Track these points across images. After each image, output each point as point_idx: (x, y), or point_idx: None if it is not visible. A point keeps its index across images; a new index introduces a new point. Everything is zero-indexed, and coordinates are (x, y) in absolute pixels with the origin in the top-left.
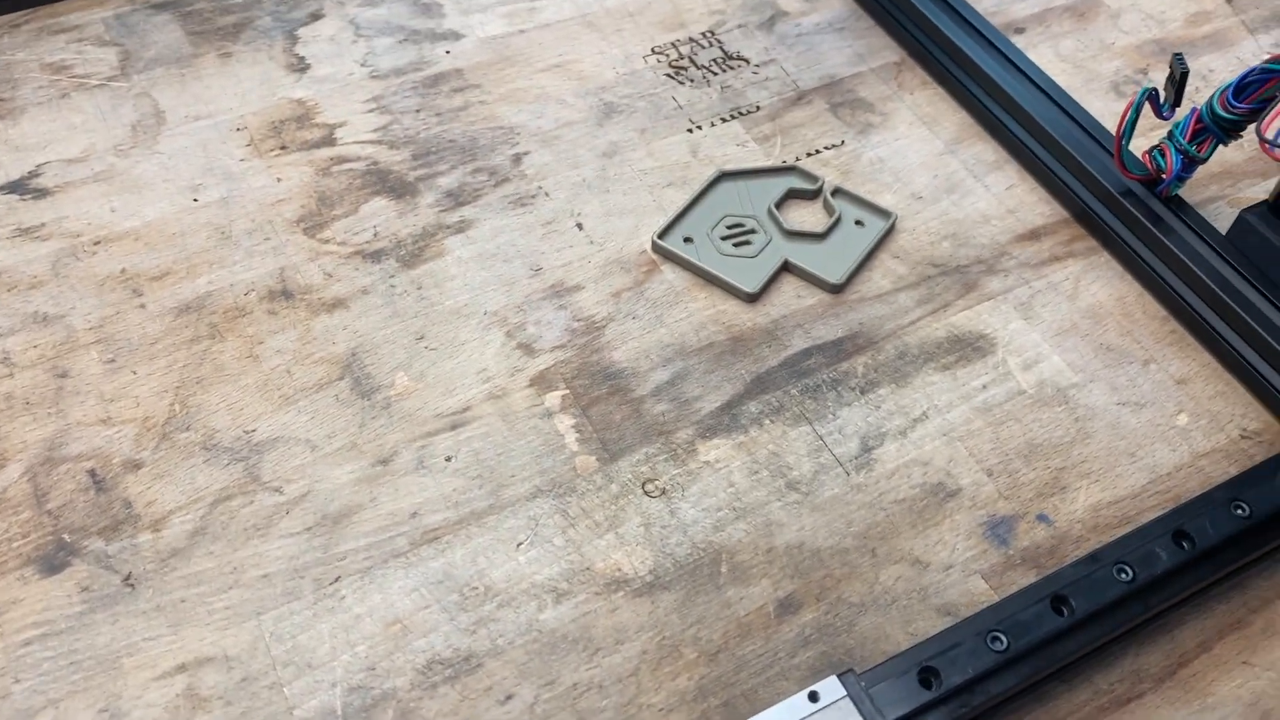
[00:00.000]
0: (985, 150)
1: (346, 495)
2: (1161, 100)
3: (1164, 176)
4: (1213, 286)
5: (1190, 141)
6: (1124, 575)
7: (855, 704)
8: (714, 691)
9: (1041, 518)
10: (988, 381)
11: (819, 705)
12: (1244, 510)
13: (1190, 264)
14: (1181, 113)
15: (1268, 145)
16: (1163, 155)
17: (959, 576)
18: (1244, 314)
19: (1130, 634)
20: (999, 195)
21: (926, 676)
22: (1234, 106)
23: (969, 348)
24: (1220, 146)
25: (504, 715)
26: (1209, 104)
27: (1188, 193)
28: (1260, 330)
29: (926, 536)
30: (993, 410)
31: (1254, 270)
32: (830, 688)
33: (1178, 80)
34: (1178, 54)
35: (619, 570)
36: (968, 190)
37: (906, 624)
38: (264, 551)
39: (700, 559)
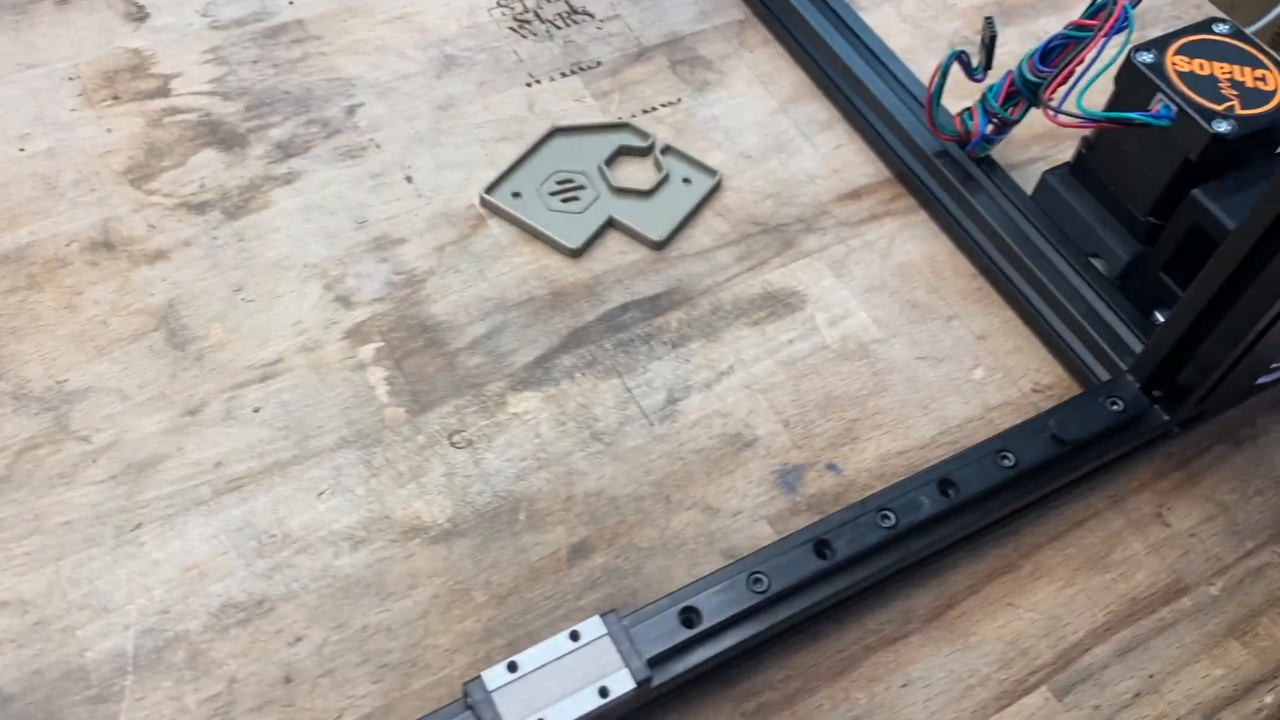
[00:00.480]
0: (818, 110)
1: (154, 445)
2: (974, 64)
3: (971, 138)
4: (1013, 245)
5: (1003, 104)
6: (886, 521)
7: (614, 642)
8: (499, 633)
9: (831, 466)
10: (794, 337)
11: (579, 644)
12: (1009, 461)
13: (993, 223)
14: (997, 75)
15: (1051, 112)
16: (970, 117)
17: (746, 522)
18: (1039, 272)
19: (904, 577)
20: (826, 155)
21: (689, 616)
22: (1040, 70)
23: (780, 304)
24: (1034, 109)
25: (292, 656)
26: (1020, 67)
27: (1009, 154)
28: (1052, 288)
29: (720, 484)
30: (796, 364)
31: (1053, 230)
32: (592, 627)
33: (987, 43)
34: (988, 17)
35: (418, 518)
36: (796, 149)
37: (692, 567)
38: (68, 499)
39: (500, 507)
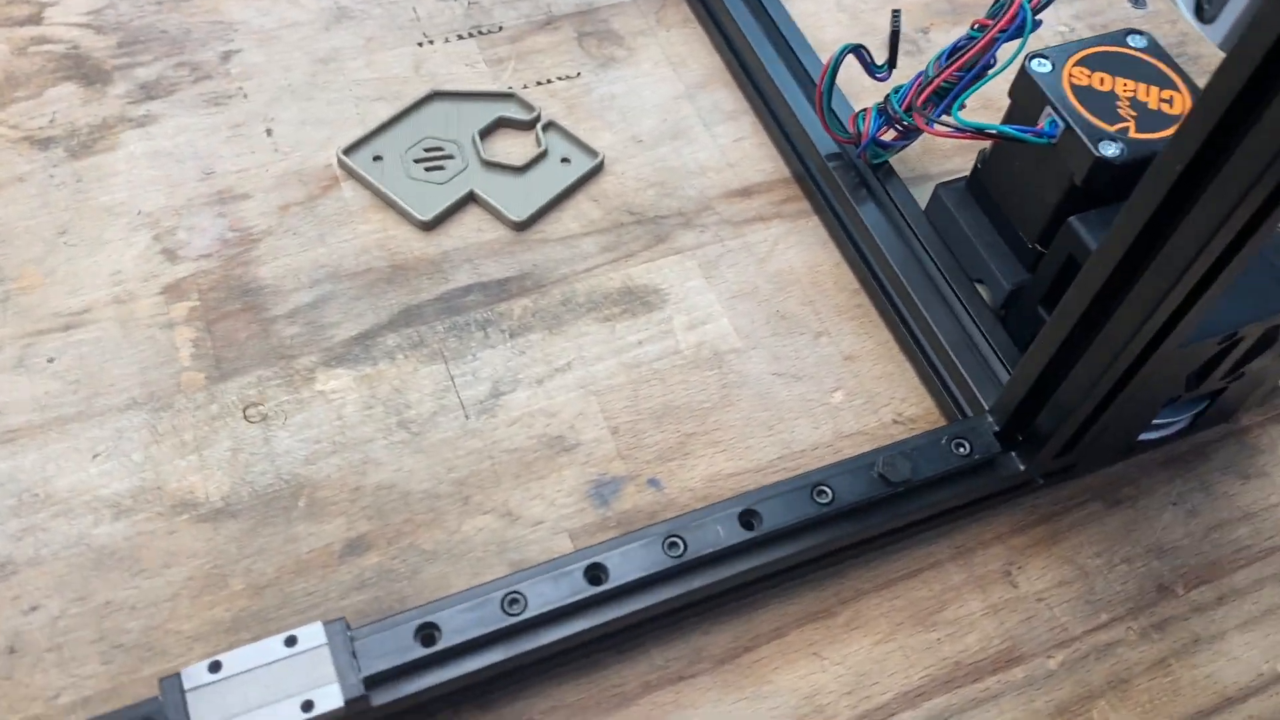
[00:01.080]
0: (726, 99)
1: None
2: (878, 61)
3: (862, 140)
4: (891, 263)
5: (909, 109)
6: (674, 549)
7: (332, 653)
8: (248, 625)
9: (652, 482)
10: (645, 338)
11: (294, 650)
12: (826, 497)
13: (876, 237)
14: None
15: (921, 119)
16: (864, 117)
17: (546, 533)
18: (916, 294)
19: (704, 613)
20: (724, 147)
21: (429, 633)
22: (944, 71)
23: (638, 301)
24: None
25: (24, 624)
26: (927, 68)
27: (926, 162)
28: (926, 313)
29: (527, 489)
30: (640, 368)
31: (941, 249)
32: (311, 634)
33: (891, 38)
34: (895, 10)
35: (191, 493)
36: (693, 138)
37: (475, 576)
38: None
39: (280, 490)
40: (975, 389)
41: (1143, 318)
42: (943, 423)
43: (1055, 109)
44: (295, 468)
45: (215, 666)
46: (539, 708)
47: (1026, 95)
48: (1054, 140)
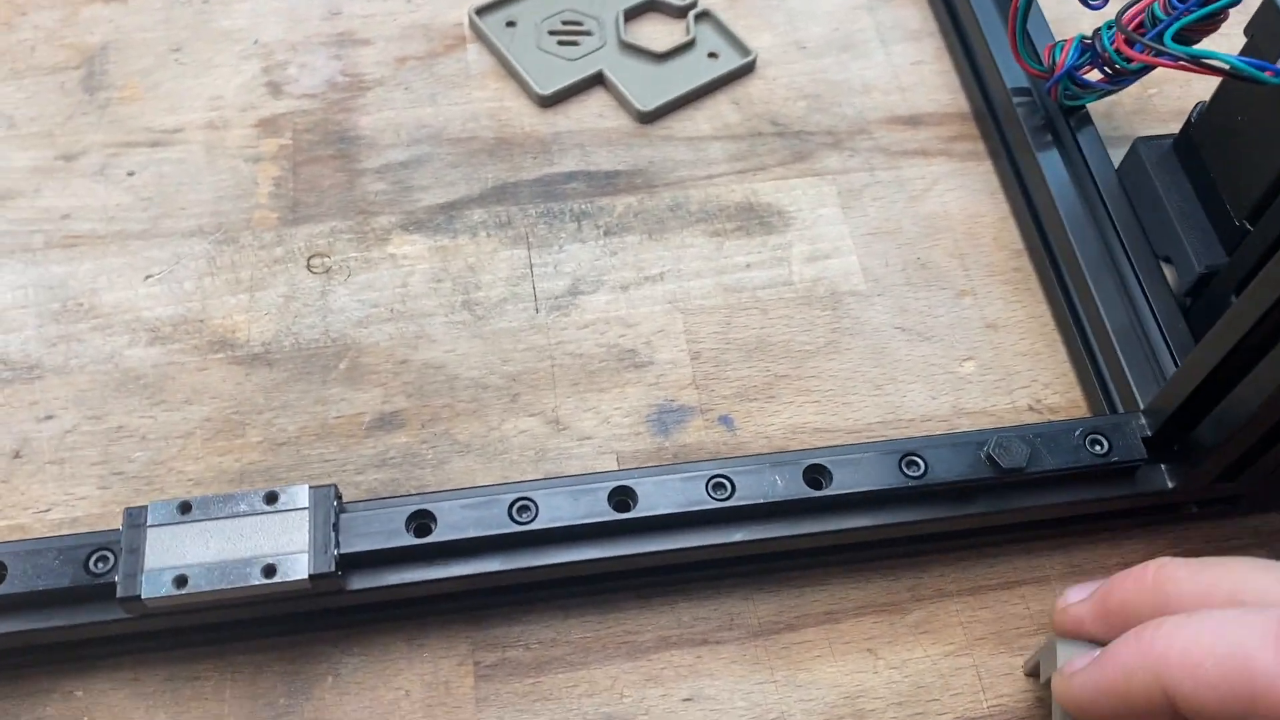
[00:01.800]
0: (912, 16)
1: (13, 179)
2: None
3: (1055, 73)
4: (1065, 225)
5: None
6: (720, 492)
7: (311, 519)
8: (254, 479)
9: (724, 420)
10: (755, 261)
11: (272, 508)
12: (918, 469)
13: (1051, 190)
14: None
15: (1122, 37)
16: (1062, 48)
17: (591, 450)
18: (1087, 265)
19: (749, 576)
20: (899, 68)
21: (425, 523)
22: (1174, 6)
23: (757, 220)
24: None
25: (35, 432)
26: (1154, 3)
27: (1137, 121)
28: (1095, 289)
29: (584, 400)
30: (742, 293)
31: (1128, 216)
32: (296, 495)
33: None
34: None
35: (233, 333)
36: (865, 53)
37: (504, 479)
38: None
39: (324, 348)
40: (1133, 384)
41: None
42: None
43: None
44: (346, 328)
45: (185, 508)
46: (538, 636)
47: (1268, 31)
48: (1270, 86)
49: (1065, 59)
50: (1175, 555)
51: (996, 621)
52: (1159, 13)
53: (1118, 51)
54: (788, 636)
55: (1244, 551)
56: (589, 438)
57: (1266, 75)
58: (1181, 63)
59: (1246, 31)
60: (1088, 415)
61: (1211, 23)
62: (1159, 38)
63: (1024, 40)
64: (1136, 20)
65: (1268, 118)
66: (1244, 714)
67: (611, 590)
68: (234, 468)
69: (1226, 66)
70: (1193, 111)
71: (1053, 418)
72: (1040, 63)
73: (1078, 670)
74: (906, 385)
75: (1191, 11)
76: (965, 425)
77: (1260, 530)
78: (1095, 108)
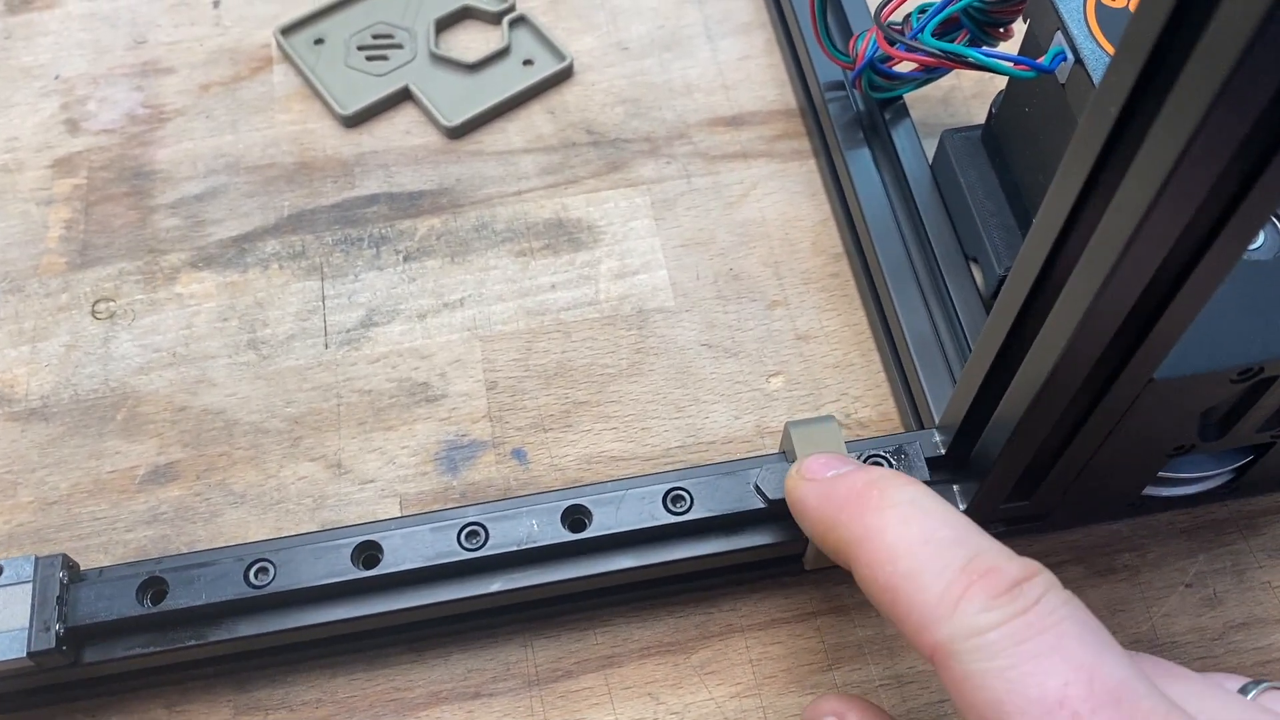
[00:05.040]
0: (742, 7)
1: None
2: None
3: (857, 65)
4: (868, 226)
5: (938, 34)
6: (473, 540)
7: (34, 594)
8: (21, 542)
9: (517, 454)
10: (560, 281)
11: None
12: (683, 504)
13: (858, 192)
14: None
15: (881, 34)
16: (864, 39)
17: (373, 494)
18: (885, 268)
19: (531, 621)
20: (724, 64)
21: (160, 588)
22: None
23: (565, 237)
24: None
25: None
26: None
27: (975, 106)
28: (891, 292)
29: (369, 440)
30: (544, 315)
31: (937, 215)
32: (20, 566)
33: None
34: None
35: (11, 387)
36: (690, 51)
37: (277, 531)
38: None
39: (103, 398)
40: (928, 396)
41: (1078, 321)
42: (901, 431)
43: (1067, 36)
44: (126, 376)
45: None
46: (302, 696)
47: (1041, 18)
48: (1050, 76)
49: (865, 50)
50: None
51: (788, 658)
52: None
53: (883, 52)
54: (565, 684)
55: (1058, 567)
56: (371, 481)
57: (1012, 68)
58: (939, 59)
59: (1024, 18)
60: (899, 429)
61: (1014, 6)
62: (920, 31)
63: (826, 30)
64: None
65: (1048, 109)
66: (894, 621)
67: (379, 645)
68: (2, 531)
69: (977, 59)
70: (993, 102)
71: (862, 433)
72: (847, 54)
73: (810, 480)
74: (709, 405)
75: (954, 2)
76: (768, 445)
77: (1078, 544)
78: (932, 92)
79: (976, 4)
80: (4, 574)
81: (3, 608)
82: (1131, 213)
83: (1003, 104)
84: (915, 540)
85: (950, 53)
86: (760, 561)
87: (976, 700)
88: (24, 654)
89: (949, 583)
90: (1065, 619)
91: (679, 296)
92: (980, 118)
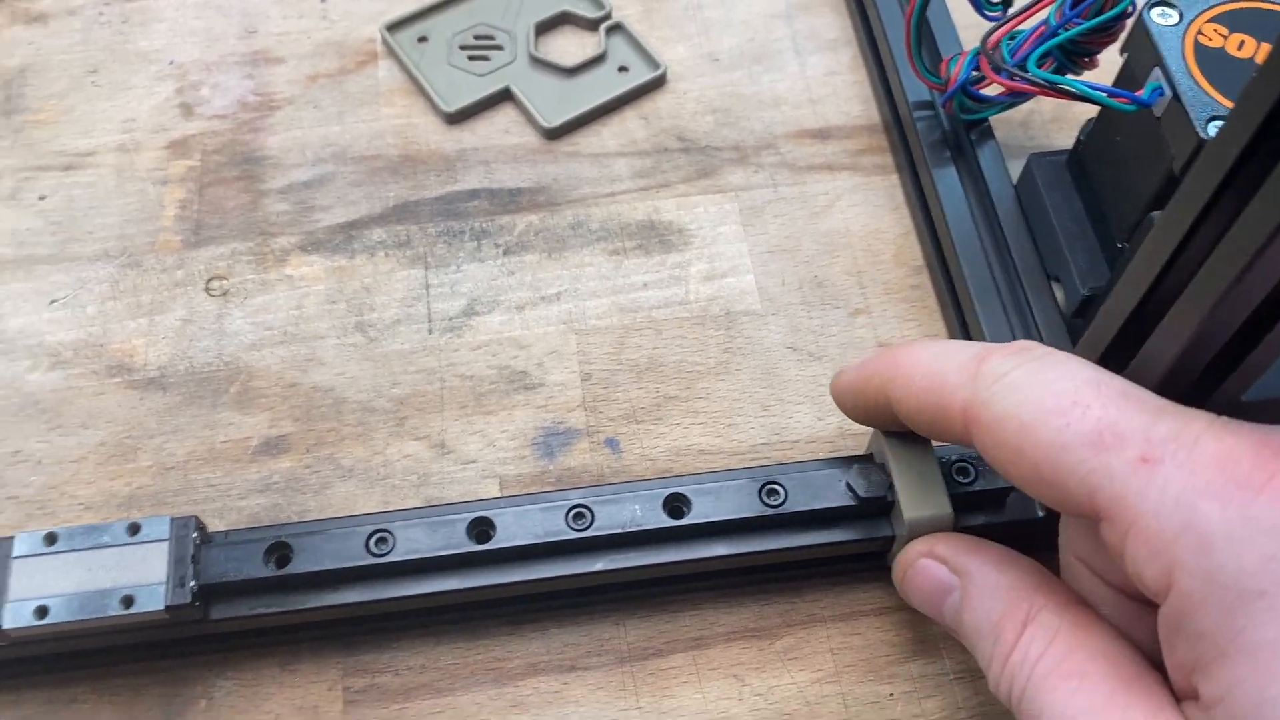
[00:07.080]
0: (830, 24)
1: None
2: None
3: (949, 88)
4: (955, 243)
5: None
6: (579, 522)
7: (170, 551)
8: (141, 504)
9: (610, 442)
10: (652, 280)
11: (134, 539)
12: (778, 497)
13: (945, 209)
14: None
15: (987, 61)
16: (957, 62)
17: (474, 475)
18: (970, 283)
19: (622, 603)
20: (811, 79)
21: (284, 554)
22: (1069, 19)
23: (657, 239)
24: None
25: None
26: (1050, 13)
27: (1055, 130)
28: (976, 307)
29: (470, 423)
30: (637, 312)
31: (1021, 235)
32: (156, 526)
33: None
34: None
35: (130, 357)
36: (779, 65)
37: (384, 505)
38: None
39: (217, 371)
40: None
41: (1180, 347)
42: None
43: (1165, 72)
44: (239, 351)
45: (51, 539)
46: (407, 662)
47: (1139, 53)
48: (1146, 109)
49: (959, 74)
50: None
51: (866, 649)
52: (1053, 21)
53: (982, 76)
54: (655, 662)
55: None
56: (473, 461)
57: (1114, 100)
58: (1042, 88)
59: (1121, 51)
60: None
61: (1106, 36)
62: (1024, 62)
63: (920, 52)
64: (1035, 37)
65: (1139, 140)
66: (933, 420)
67: (481, 617)
68: (123, 492)
69: (1080, 92)
70: (1082, 129)
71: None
72: (938, 75)
73: (843, 370)
74: (794, 406)
75: (1058, 34)
76: (849, 447)
77: None
78: (1013, 115)
79: (1072, 35)
80: (142, 531)
81: (140, 563)
82: (1247, 246)
83: (1092, 131)
84: (934, 352)
85: (1054, 84)
86: (844, 556)
87: (1006, 434)
88: (162, 606)
89: (964, 363)
90: (1071, 359)
91: (765, 300)
92: (1058, 142)
